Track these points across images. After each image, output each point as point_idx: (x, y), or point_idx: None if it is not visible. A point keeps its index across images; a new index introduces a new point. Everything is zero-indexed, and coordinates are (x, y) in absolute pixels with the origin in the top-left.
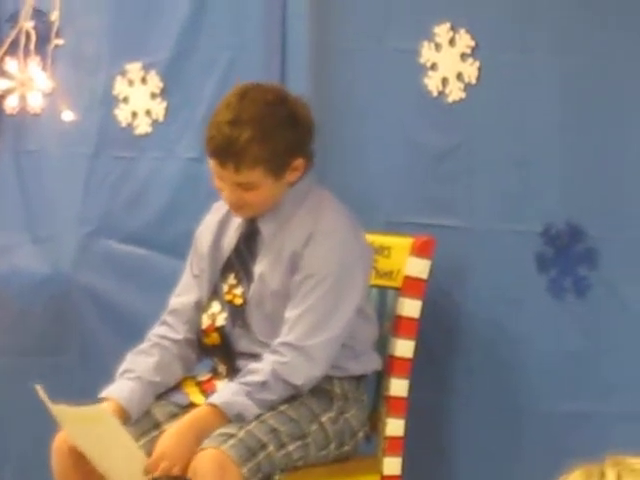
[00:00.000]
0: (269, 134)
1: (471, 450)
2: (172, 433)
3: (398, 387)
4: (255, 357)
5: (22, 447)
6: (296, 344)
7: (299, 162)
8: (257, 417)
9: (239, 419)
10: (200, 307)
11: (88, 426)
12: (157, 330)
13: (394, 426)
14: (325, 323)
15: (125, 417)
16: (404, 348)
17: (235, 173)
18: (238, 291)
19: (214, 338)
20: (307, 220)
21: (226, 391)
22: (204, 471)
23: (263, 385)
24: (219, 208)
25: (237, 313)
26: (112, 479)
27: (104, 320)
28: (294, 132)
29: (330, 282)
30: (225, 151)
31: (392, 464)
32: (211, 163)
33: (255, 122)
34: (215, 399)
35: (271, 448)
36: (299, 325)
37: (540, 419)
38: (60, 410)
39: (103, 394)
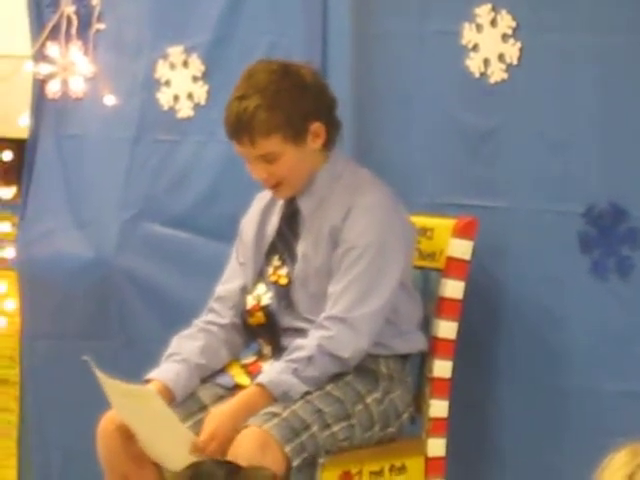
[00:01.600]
0: (276, 101)
1: (515, 430)
2: (221, 413)
3: (442, 368)
4: (300, 332)
5: (68, 431)
6: (341, 316)
7: (317, 127)
8: (303, 397)
9: (285, 398)
10: (245, 292)
11: (136, 403)
12: (203, 317)
13: (438, 407)
14: (369, 294)
15: (170, 398)
16: (447, 329)
17: (252, 146)
18: (283, 272)
19: (259, 317)
20: (345, 196)
21: (273, 370)
22: (246, 448)
23: (309, 360)
24: (263, 197)
25: (282, 293)
26: (159, 457)
27: (146, 304)
28: (304, 97)
29: (372, 254)
30: (237, 126)
31: (436, 445)
32: (234, 146)
33: (260, 92)
34: (262, 378)
35: (315, 429)
36: (343, 298)
37: (584, 399)
38: (110, 384)
39: (149, 376)
